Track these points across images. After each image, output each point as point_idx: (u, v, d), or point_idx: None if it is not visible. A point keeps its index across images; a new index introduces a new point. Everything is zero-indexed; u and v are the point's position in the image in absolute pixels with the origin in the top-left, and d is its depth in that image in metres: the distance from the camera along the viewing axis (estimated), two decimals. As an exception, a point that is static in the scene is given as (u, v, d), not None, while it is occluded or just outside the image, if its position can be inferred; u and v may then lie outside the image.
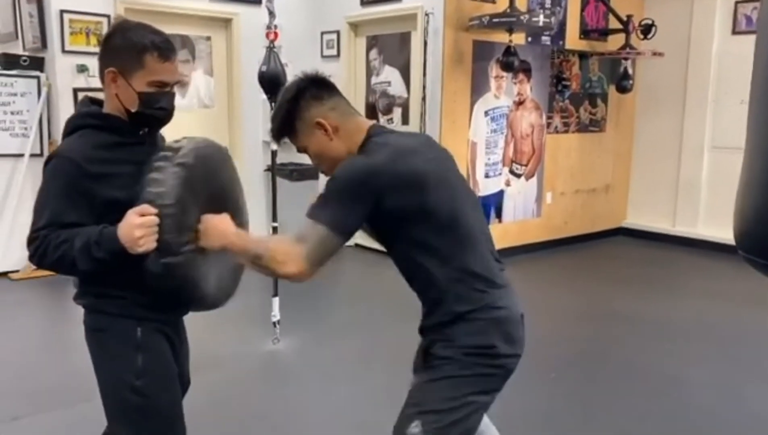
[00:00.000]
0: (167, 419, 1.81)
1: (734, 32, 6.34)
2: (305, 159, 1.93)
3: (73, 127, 1.73)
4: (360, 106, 6.26)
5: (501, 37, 5.68)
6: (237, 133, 6.36)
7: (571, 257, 6.46)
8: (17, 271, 5.31)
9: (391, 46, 6.21)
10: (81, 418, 2.94)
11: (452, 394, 1.67)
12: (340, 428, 3.01)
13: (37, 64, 5.47)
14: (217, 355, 3.75)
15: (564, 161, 6.71)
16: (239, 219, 1.96)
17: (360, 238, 4.48)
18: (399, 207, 1.65)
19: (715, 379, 3.59)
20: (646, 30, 6.48)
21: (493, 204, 6.14)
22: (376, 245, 1.77)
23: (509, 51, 5.59)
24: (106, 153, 1.68)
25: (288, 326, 4.00)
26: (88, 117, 1.74)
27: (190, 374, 2.04)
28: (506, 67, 5.69)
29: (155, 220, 1.59)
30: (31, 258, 1.64)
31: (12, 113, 5.35)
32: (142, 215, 1.59)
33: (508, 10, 5.41)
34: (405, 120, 6.09)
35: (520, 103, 6.20)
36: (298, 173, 6.12)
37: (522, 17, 5.39)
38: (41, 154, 5.33)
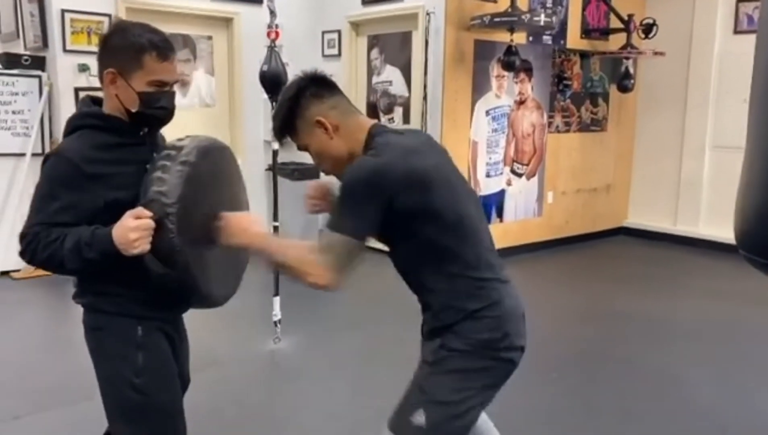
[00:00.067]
0: (167, 417, 1.81)
1: (736, 31, 6.33)
2: (306, 158, 1.93)
3: (73, 127, 1.73)
4: (361, 106, 6.26)
5: (502, 37, 5.68)
6: (238, 132, 6.37)
7: (572, 257, 6.46)
8: (19, 271, 5.32)
9: (393, 45, 6.21)
10: (82, 417, 2.95)
11: (459, 386, 1.69)
12: (341, 427, 3.02)
13: (38, 63, 5.48)
14: (218, 354, 3.75)
15: (565, 161, 6.71)
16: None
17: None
18: (406, 207, 1.65)
19: (717, 379, 3.59)
20: (648, 29, 6.47)
21: (495, 203, 6.14)
22: (376, 245, 1.77)
23: (510, 50, 5.58)
24: (105, 153, 1.68)
25: (289, 325, 4.01)
26: (89, 117, 1.74)
27: (191, 373, 2.04)
28: (507, 66, 5.69)
29: (151, 223, 1.59)
30: (22, 254, 1.64)
31: (13, 112, 5.36)
32: (138, 218, 1.58)
33: (510, 10, 5.41)
34: (406, 119, 6.09)
35: (521, 103, 6.20)
36: (299, 172, 6.12)
37: (523, 17, 5.38)
38: (43, 154, 5.33)
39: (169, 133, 1.88)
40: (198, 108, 6.20)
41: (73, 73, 5.41)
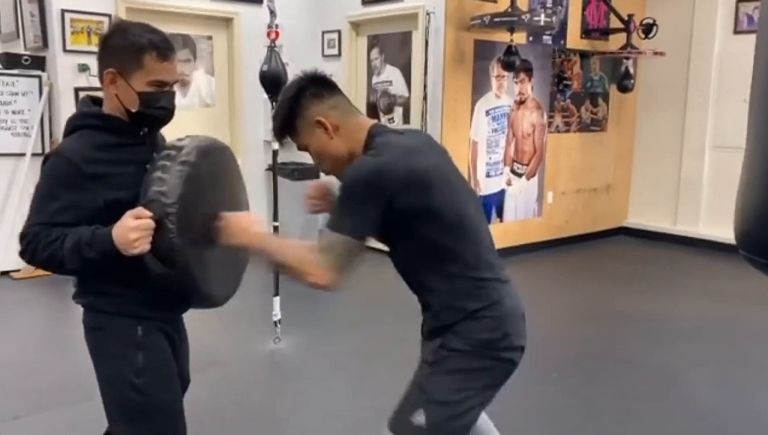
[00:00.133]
0: (167, 417, 1.81)
1: (736, 32, 6.33)
2: (306, 158, 1.93)
3: (73, 127, 1.73)
4: (361, 106, 6.26)
5: (502, 37, 5.68)
6: (238, 132, 6.37)
7: (572, 257, 6.46)
8: (19, 271, 5.32)
9: (393, 45, 6.21)
10: (82, 417, 2.95)
11: (459, 386, 1.70)
12: (341, 427, 3.02)
13: (38, 63, 5.48)
14: (218, 354, 3.75)
15: (565, 161, 6.71)
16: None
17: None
18: (407, 207, 1.65)
19: (717, 379, 3.59)
20: (648, 29, 6.48)
21: (495, 203, 6.14)
22: (376, 245, 1.77)
23: (510, 50, 5.58)
24: (105, 153, 1.68)
25: (289, 325, 4.01)
26: (88, 117, 1.74)
27: (191, 373, 2.04)
28: (507, 66, 5.69)
29: (151, 223, 1.59)
30: (22, 254, 1.64)
31: (13, 112, 5.36)
32: (138, 218, 1.58)
33: (510, 10, 5.41)
34: (406, 119, 6.09)
35: (521, 103, 6.20)
36: (299, 172, 6.13)
37: (523, 16, 5.38)
38: (43, 154, 5.33)
39: (170, 133, 1.88)
40: (198, 108, 6.20)
41: (73, 73, 5.41)
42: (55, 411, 3.13)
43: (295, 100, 1.77)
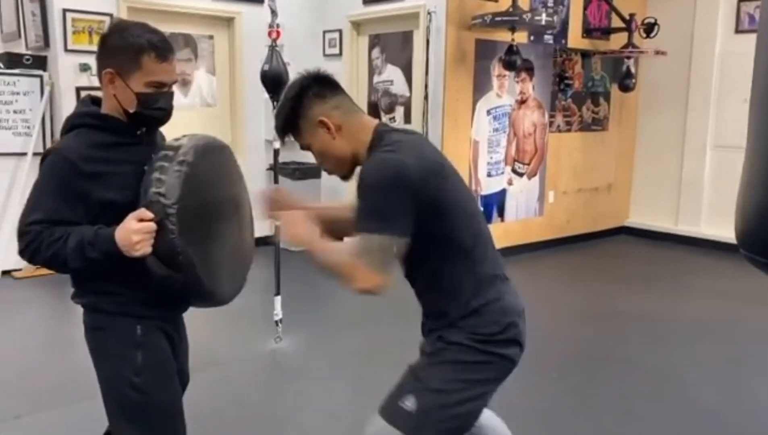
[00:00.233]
0: (167, 416, 1.81)
1: (737, 31, 6.33)
2: (308, 158, 1.93)
3: (71, 126, 1.74)
4: (362, 105, 6.25)
5: (503, 36, 5.68)
6: (239, 131, 6.37)
7: (573, 256, 6.45)
8: (20, 270, 5.33)
9: (394, 44, 6.20)
10: (83, 417, 2.95)
11: (453, 377, 1.70)
12: (341, 427, 3.01)
13: (39, 63, 5.49)
14: (219, 353, 3.76)
15: (566, 160, 6.70)
16: (243, 214, 1.97)
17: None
18: (428, 201, 1.65)
19: (718, 379, 3.59)
20: (649, 29, 6.47)
21: (496, 203, 6.14)
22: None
23: (512, 50, 5.58)
24: (102, 152, 1.68)
25: (290, 325, 4.01)
26: (86, 116, 1.74)
27: (192, 372, 2.04)
28: (509, 65, 5.68)
29: (152, 226, 1.60)
30: (22, 252, 1.64)
31: (15, 112, 5.36)
32: (141, 220, 1.58)
33: (511, 9, 5.40)
34: (407, 119, 6.09)
35: (522, 102, 6.19)
36: (300, 172, 6.13)
37: (524, 16, 5.38)
38: (44, 153, 5.35)
39: (171, 132, 1.88)
40: (199, 107, 6.20)
41: (75, 73, 5.42)
42: (55, 410, 3.14)
43: (298, 99, 1.77)
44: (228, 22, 6.24)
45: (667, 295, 5.16)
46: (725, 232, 5.95)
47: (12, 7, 5.93)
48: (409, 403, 1.68)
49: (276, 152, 3.99)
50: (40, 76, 5.44)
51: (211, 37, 6.25)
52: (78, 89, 5.36)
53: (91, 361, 1.79)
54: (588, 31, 6.62)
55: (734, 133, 5.98)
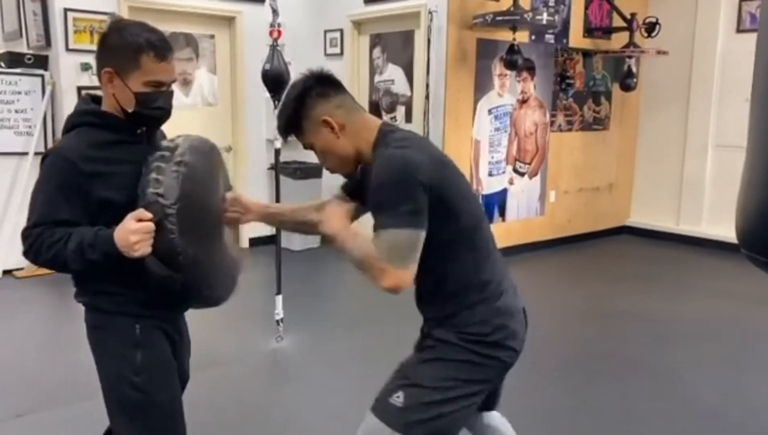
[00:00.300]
0: (167, 415, 1.81)
1: (738, 30, 6.32)
2: (309, 157, 1.94)
3: (72, 125, 1.74)
4: (363, 105, 6.18)
5: (505, 35, 5.68)
6: (240, 131, 6.37)
7: (574, 256, 6.45)
8: (22, 269, 5.33)
9: (395, 44, 6.20)
10: (84, 416, 2.95)
11: (440, 375, 1.71)
12: (342, 426, 3.01)
13: (41, 62, 5.49)
14: (220, 352, 3.76)
15: (567, 159, 6.70)
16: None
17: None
18: (439, 194, 1.65)
19: (719, 379, 3.59)
20: (650, 28, 6.46)
21: (497, 202, 6.14)
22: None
23: (513, 49, 5.57)
24: (103, 151, 1.68)
25: (291, 324, 4.01)
26: (87, 115, 1.75)
27: (193, 371, 2.04)
28: (510, 65, 5.68)
29: (151, 226, 1.59)
30: (26, 254, 1.65)
31: (16, 111, 5.37)
32: (140, 220, 1.58)
33: (512, 8, 5.40)
34: (408, 118, 6.09)
35: (523, 102, 6.19)
36: (301, 171, 6.13)
37: (526, 15, 5.38)
38: (45, 153, 5.35)
39: (172, 132, 1.88)
40: (200, 107, 6.20)
41: (76, 72, 5.42)
42: (56, 409, 3.14)
43: (301, 99, 1.77)
44: (229, 21, 6.24)
45: (668, 295, 5.16)
46: (726, 231, 5.94)
47: (13, 6, 5.93)
48: (398, 399, 1.69)
49: (277, 152, 3.99)
50: (42, 76, 5.44)
51: (212, 37, 6.25)
52: (79, 88, 5.37)
53: (93, 359, 1.80)
54: (589, 31, 6.62)
55: (735, 133, 5.98)
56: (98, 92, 1.78)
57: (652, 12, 6.69)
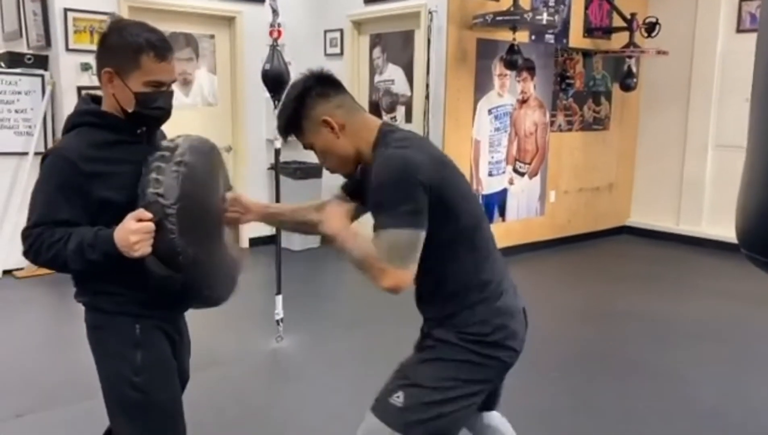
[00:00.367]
0: (167, 415, 1.81)
1: (738, 30, 6.32)
2: (309, 157, 1.94)
3: (72, 124, 1.74)
4: (363, 105, 6.18)
5: (505, 35, 5.68)
6: (240, 131, 6.37)
7: (574, 256, 6.45)
8: (22, 269, 5.33)
9: (395, 44, 6.20)
10: (84, 416, 2.95)
11: (440, 375, 1.70)
12: (343, 426, 3.01)
13: (41, 62, 5.49)
14: (220, 352, 3.76)
15: (567, 159, 6.70)
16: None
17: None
18: (436, 197, 1.65)
19: (719, 378, 3.59)
20: (650, 28, 6.46)
21: (497, 202, 6.14)
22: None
23: (513, 49, 5.58)
24: (102, 151, 1.68)
25: (291, 324, 4.01)
26: (87, 115, 1.75)
27: (193, 371, 2.04)
28: (510, 65, 5.68)
29: (151, 226, 1.59)
30: (26, 254, 1.65)
31: (16, 111, 5.37)
32: (140, 220, 1.58)
33: (512, 8, 5.40)
34: (408, 118, 6.09)
35: (523, 102, 6.19)
36: (301, 172, 6.13)
37: (526, 15, 5.38)
38: (45, 153, 5.35)
39: (172, 132, 1.88)
40: (200, 107, 6.20)
41: (76, 72, 5.42)
42: (57, 409, 3.14)
43: (301, 99, 1.77)
44: (229, 21, 6.24)
45: (668, 295, 5.16)
46: (726, 231, 5.94)
47: (13, 6, 5.93)
48: (398, 399, 1.69)
49: (277, 152, 3.99)
50: (42, 76, 5.44)
51: (212, 37, 6.25)
52: (79, 88, 5.36)
53: (93, 359, 1.80)
54: (589, 31, 6.62)
55: (736, 133, 5.97)
56: (98, 92, 1.78)
57: (652, 12, 6.69)
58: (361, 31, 6.50)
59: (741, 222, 1.42)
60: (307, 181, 6.09)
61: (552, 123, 6.49)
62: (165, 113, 1.75)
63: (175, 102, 1.80)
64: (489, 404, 1.94)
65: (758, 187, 1.35)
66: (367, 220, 1.75)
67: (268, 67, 3.78)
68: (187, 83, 6.06)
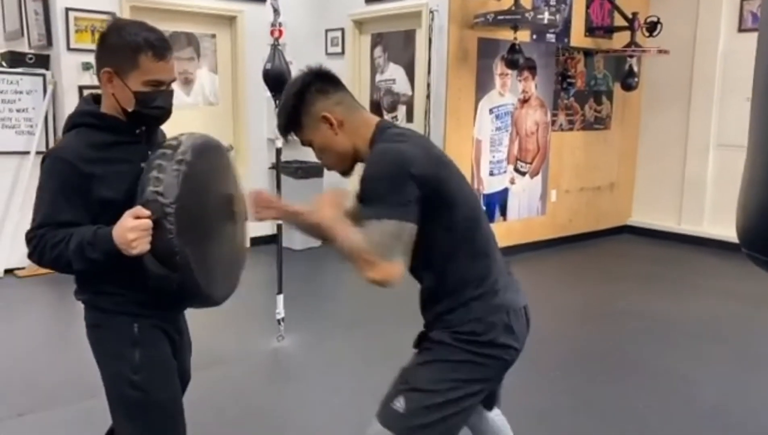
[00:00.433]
0: (167, 414, 1.82)
1: (740, 29, 6.31)
2: (310, 156, 1.93)
3: (72, 124, 1.74)
4: (364, 104, 6.20)
5: (506, 35, 5.67)
6: (242, 130, 6.38)
7: (575, 255, 6.45)
8: (23, 268, 5.34)
9: (396, 43, 6.20)
10: (86, 415, 2.96)
11: (439, 377, 1.70)
12: (344, 425, 3.02)
13: (42, 61, 5.49)
14: (221, 352, 3.76)
15: (569, 159, 6.69)
16: (237, 214, 1.96)
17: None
18: (431, 189, 1.64)
19: (721, 378, 3.58)
20: (652, 27, 6.45)
21: (498, 202, 6.14)
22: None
23: (514, 48, 5.57)
24: (102, 152, 1.68)
25: (292, 323, 4.01)
26: (86, 115, 1.75)
27: (194, 371, 2.04)
28: (511, 64, 5.67)
29: (149, 223, 1.59)
30: (30, 256, 1.66)
31: (18, 111, 5.38)
32: (137, 217, 1.58)
33: (513, 8, 5.39)
34: (409, 117, 6.09)
35: (524, 101, 6.19)
36: (302, 171, 6.14)
37: (527, 14, 5.37)
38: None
39: (173, 131, 1.88)
40: (201, 106, 6.20)
41: (77, 72, 5.42)
42: (59, 408, 3.14)
43: (300, 95, 1.77)
44: (230, 20, 6.25)
45: (670, 295, 5.15)
46: (728, 231, 5.91)
47: (15, 5, 5.93)
48: (399, 404, 1.68)
49: (278, 151, 3.99)
50: (43, 75, 5.45)
51: (213, 36, 6.25)
52: (80, 88, 5.37)
53: (94, 359, 1.80)
54: (591, 30, 6.61)
55: (737, 132, 5.95)
56: (100, 92, 1.78)
57: (654, 11, 6.68)
58: (362, 31, 6.50)
59: (742, 220, 1.41)
60: (309, 180, 6.10)
61: (553, 122, 6.48)
62: (165, 112, 1.76)
63: (176, 101, 1.81)
64: (489, 404, 1.94)
65: (759, 185, 1.34)
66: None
67: (269, 66, 3.78)
68: (188, 83, 6.07)
